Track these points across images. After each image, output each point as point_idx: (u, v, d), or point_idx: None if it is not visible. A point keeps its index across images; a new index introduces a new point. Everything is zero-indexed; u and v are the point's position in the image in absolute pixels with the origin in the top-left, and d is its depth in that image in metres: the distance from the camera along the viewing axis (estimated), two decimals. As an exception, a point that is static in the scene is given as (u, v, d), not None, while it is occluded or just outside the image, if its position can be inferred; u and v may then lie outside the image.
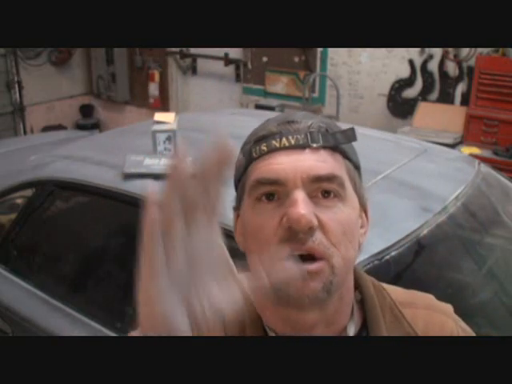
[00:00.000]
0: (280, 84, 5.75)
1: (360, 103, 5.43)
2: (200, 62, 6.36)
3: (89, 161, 2.42)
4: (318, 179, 0.78)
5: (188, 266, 0.52)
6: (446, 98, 4.98)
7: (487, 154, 4.34)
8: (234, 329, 0.79)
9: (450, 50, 4.84)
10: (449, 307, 0.97)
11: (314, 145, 0.80)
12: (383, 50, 5.13)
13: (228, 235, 1.78)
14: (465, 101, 4.81)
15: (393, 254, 1.73)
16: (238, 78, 6.09)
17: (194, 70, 6.46)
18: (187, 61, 6.47)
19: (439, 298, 1.00)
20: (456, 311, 0.99)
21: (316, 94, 5.59)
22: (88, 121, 7.07)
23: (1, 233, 2.62)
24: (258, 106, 5.41)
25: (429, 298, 0.97)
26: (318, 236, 0.77)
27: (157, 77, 6.54)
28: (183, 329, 0.52)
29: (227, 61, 5.98)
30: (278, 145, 0.80)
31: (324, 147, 0.80)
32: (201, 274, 0.52)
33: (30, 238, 2.56)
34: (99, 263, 2.38)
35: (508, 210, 2.32)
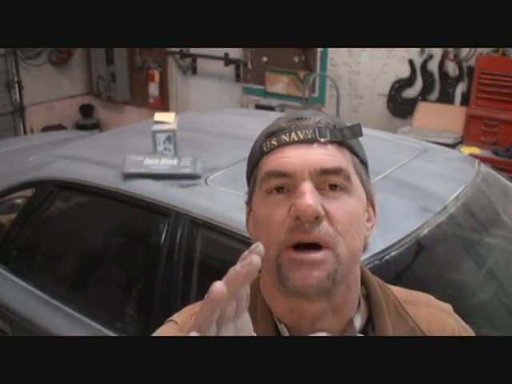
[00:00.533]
0: (280, 84, 5.75)
1: (360, 103, 5.43)
2: (200, 62, 6.36)
3: (89, 161, 2.42)
4: (325, 172, 0.82)
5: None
6: (445, 97, 4.98)
7: (487, 154, 4.34)
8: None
9: (450, 50, 4.84)
10: (448, 306, 0.99)
11: (322, 139, 0.84)
12: (383, 49, 5.12)
13: (227, 235, 1.75)
14: (465, 101, 4.81)
15: (393, 253, 1.73)
16: (238, 78, 6.09)
17: (193, 70, 6.46)
18: (187, 61, 6.47)
19: (439, 298, 1.00)
20: (456, 311, 0.99)
21: (316, 94, 5.59)
22: (88, 121, 7.06)
23: (1, 233, 2.62)
24: (258, 106, 5.40)
25: (429, 297, 0.99)
26: (324, 225, 0.80)
27: (157, 77, 6.54)
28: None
29: (227, 61, 5.98)
30: (287, 139, 0.84)
31: (331, 142, 0.84)
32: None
33: (30, 238, 2.55)
34: (99, 263, 2.38)
35: (508, 209, 2.32)
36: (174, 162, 2.19)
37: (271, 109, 5.08)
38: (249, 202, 0.91)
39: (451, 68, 4.93)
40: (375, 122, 5.07)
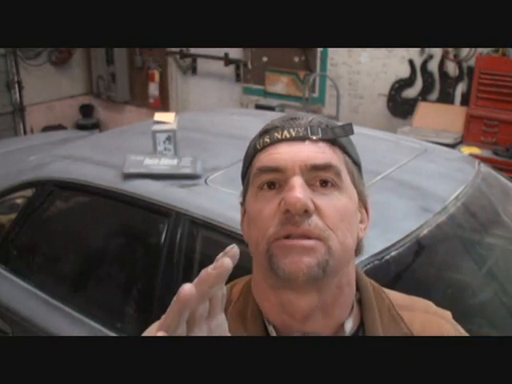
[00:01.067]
0: (280, 84, 5.75)
1: (360, 103, 5.43)
2: (200, 62, 6.36)
3: (89, 161, 2.42)
4: (315, 168, 0.83)
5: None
6: (445, 98, 4.98)
7: (487, 154, 4.34)
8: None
9: (450, 50, 4.84)
10: (448, 313, 0.97)
11: (314, 137, 0.85)
12: (383, 49, 5.13)
13: (227, 235, 1.76)
14: (465, 101, 4.81)
15: (393, 253, 1.73)
16: (238, 78, 6.09)
17: (193, 70, 6.46)
18: (187, 61, 6.47)
19: (439, 298, 1.00)
20: (456, 311, 0.99)
21: (316, 94, 5.59)
22: (88, 121, 7.06)
23: (1, 233, 2.62)
24: (258, 106, 5.40)
25: (427, 303, 0.98)
26: (314, 220, 0.81)
27: (157, 77, 6.54)
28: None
29: (227, 61, 5.98)
30: (279, 136, 0.86)
31: (323, 140, 0.86)
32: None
33: (30, 238, 2.56)
34: (99, 263, 2.38)
35: (508, 209, 2.32)
36: (174, 162, 2.19)
37: (271, 109, 5.08)
38: (243, 203, 0.91)
39: (451, 68, 4.93)
40: (375, 122, 5.07)
